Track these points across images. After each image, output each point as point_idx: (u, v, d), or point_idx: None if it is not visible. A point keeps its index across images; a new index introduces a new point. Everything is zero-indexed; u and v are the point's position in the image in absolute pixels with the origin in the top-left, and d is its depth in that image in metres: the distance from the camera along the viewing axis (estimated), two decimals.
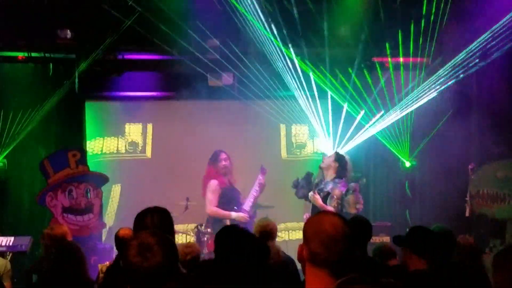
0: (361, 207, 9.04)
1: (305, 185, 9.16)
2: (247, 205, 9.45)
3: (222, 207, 9.35)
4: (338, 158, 9.15)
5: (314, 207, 8.74)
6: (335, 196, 8.69)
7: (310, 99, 10.75)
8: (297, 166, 11.45)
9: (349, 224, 2.72)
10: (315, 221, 2.73)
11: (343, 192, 8.77)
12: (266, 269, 5.10)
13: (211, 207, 9.35)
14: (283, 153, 11.89)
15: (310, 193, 8.85)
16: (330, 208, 8.59)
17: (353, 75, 10.65)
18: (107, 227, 10.62)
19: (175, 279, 2.89)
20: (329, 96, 10.74)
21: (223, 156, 9.58)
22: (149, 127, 11.59)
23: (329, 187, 8.84)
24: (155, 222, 3.92)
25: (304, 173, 9.40)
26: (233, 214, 9.28)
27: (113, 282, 4.10)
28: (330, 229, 2.66)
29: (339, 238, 2.64)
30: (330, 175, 9.02)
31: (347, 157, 9.30)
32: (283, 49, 10.15)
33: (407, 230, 4.90)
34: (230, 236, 4.31)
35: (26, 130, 10.26)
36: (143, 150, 11.57)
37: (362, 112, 10.62)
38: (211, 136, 10.92)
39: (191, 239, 9.58)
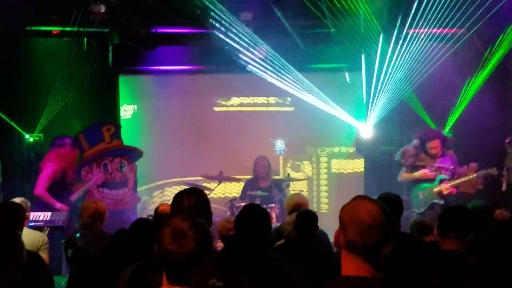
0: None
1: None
2: (75, 196, 9.45)
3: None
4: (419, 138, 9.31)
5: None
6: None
7: (343, 72, 10.75)
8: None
9: (385, 210, 2.70)
10: (352, 208, 2.71)
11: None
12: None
13: (42, 189, 9.14)
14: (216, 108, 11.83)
15: (444, 185, 9.04)
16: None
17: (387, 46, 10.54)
18: (142, 200, 10.73)
19: (209, 261, 2.91)
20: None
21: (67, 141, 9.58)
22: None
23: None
24: (192, 203, 3.96)
25: None
26: (57, 205, 9.00)
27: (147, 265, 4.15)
28: (366, 217, 2.64)
29: (375, 227, 2.63)
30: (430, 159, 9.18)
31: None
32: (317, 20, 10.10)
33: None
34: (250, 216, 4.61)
35: (61, 104, 10.35)
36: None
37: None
38: (242, 109, 10.99)
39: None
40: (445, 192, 8.98)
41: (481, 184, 9.11)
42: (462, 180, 9.02)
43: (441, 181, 9.06)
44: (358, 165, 11.80)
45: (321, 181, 11.80)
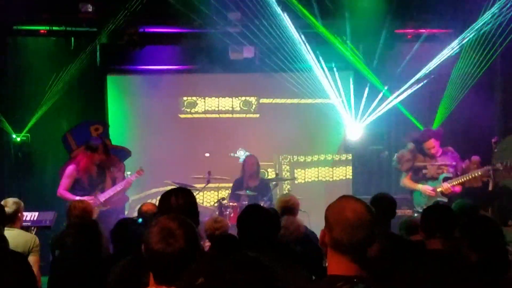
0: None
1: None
2: (103, 196, 9.22)
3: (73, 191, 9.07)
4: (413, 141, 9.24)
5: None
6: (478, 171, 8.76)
7: (331, 72, 10.74)
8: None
9: (371, 209, 2.71)
10: (337, 208, 2.72)
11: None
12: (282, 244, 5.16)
13: (60, 189, 9.09)
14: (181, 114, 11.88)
15: (445, 185, 8.87)
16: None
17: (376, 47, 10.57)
18: (130, 200, 10.69)
19: (198, 261, 2.90)
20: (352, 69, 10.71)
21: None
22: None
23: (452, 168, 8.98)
24: (179, 202, 3.95)
25: None
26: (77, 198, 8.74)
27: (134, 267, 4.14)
28: (352, 216, 2.64)
29: (361, 226, 2.64)
30: (428, 160, 9.12)
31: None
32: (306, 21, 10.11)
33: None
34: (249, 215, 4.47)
35: (48, 103, 10.32)
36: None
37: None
38: (231, 110, 11.00)
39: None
40: (446, 192, 8.86)
41: (486, 176, 9.01)
42: (467, 178, 8.92)
43: (445, 180, 8.94)
44: (323, 173, 12.07)
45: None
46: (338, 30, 10.33)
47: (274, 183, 10.23)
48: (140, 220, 5.99)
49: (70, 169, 9.16)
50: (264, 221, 4.36)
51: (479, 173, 8.77)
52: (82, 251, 5.43)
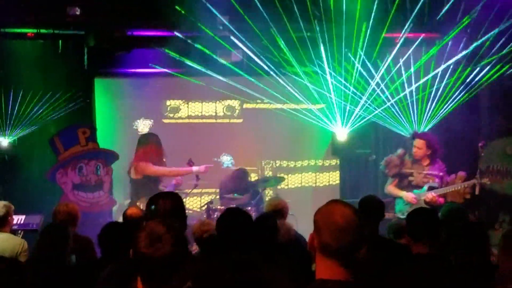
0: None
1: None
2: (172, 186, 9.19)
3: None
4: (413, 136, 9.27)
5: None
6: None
7: (318, 76, 10.75)
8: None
9: (359, 214, 2.73)
10: (326, 212, 2.73)
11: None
12: (273, 247, 5.17)
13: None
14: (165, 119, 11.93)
15: (430, 195, 8.77)
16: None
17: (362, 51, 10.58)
18: (118, 204, 10.67)
19: (186, 264, 2.91)
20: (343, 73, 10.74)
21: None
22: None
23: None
24: (166, 207, 3.95)
25: None
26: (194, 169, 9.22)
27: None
28: (340, 220, 2.66)
29: (349, 230, 2.65)
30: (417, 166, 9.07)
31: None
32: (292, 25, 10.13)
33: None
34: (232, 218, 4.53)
35: (36, 107, 10.28)
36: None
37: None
38: (219, 113, 10.98)
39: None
40: (431, 202, 8.76)
41: (469, 194, 9.02)
42: (451, 189, 8.85)
43: (430, 189, 8.86)
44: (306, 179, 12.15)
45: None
46: (325, 34, 10.32)
47: (262, 186, 10.23)
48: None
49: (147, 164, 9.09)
50: (240, 224, 4.40)
51: (465, 185, 8.80)
52: (43, 257, 5.30)
